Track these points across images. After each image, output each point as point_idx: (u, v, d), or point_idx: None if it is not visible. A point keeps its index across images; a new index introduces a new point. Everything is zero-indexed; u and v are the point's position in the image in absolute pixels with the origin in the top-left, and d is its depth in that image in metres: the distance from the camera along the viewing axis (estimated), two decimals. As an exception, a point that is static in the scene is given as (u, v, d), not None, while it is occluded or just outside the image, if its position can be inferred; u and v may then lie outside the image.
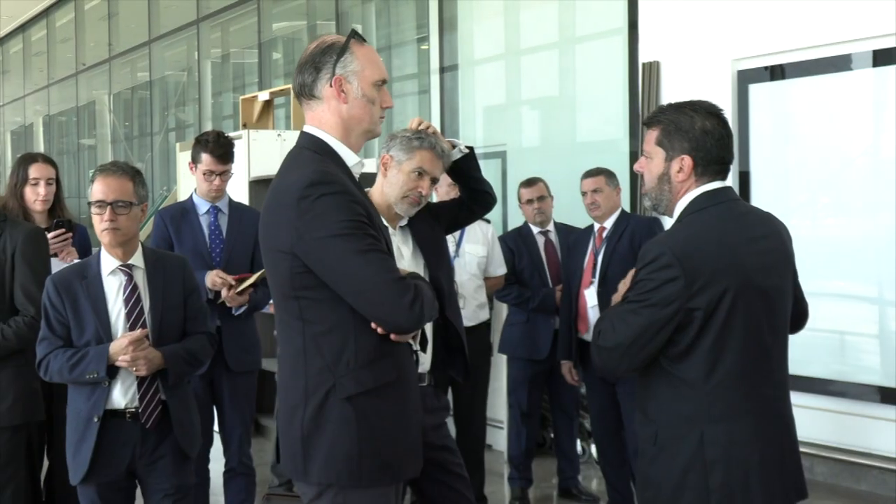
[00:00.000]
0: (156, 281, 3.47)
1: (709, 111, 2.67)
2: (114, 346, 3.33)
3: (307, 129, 2.65)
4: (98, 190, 3.37)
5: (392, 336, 2.54)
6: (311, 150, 2.59)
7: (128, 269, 3.44)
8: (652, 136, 2.71)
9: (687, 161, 2.64)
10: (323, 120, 2.61)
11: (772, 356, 2.66)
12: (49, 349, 3.39)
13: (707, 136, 2.63)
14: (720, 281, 2.53)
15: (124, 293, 3.42)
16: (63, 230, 4.43)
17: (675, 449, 2.59)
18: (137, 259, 3.46)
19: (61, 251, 4.43)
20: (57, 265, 4.42)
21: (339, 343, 2.51)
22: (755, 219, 2.72)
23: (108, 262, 3.43)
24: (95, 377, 3.32)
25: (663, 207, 2.75)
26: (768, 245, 2.67)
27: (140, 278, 3.45)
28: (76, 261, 4.47)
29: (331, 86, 2.57)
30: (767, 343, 2.63)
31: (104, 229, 3.37)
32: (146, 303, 3.44)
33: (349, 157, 2.62)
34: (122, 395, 3.39)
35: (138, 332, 3.36)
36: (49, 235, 4.34)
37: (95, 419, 3.35)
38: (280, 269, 2.53)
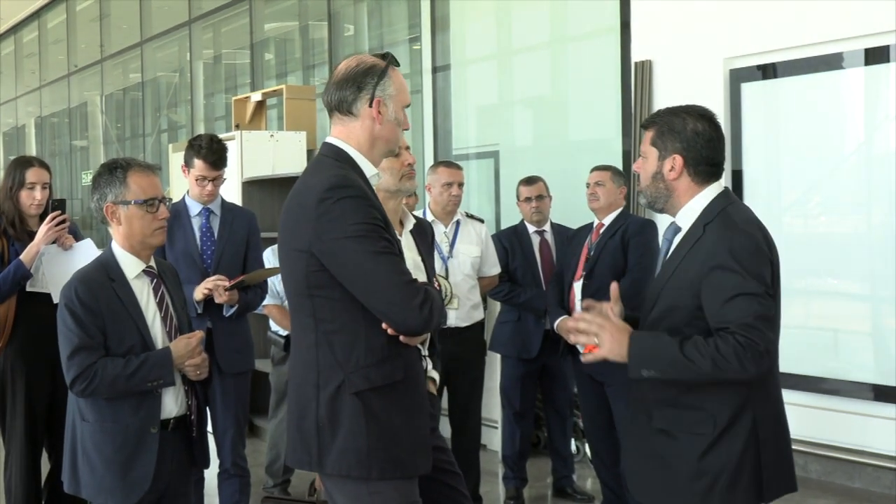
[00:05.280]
0: (169, 285, 3.33)
1: (701, 114, 2.85)
2: (179, 350, 3.17)
3: (330, 140, 2.80)
4: (149, 186, 3.18)
5: (402, 338, 2.67)
6: (331, 159, 2.75)
7: (154, 272, 3.28)
8: (647, 137, 2.89)
9: (678, 160, 2.81)
10: (352, 135, 2.77)
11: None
12: (92, 359, 3.07)
13: (698, 138, 2.80)
14: (775, 264, 2.74)
15: (155, 297, 3.25)
16: (59, 212, 4.39)
17: (734, 432, 2.72)
18: (152, 262, 3.30)
19: (60, 237, 4.40)
20: (58, 252, 4.40)
21: (349, 341, 2.65)
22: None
23: (132, 265, 3.21)
24: (158, 384, 3.13)
25: (660, 204, 2.89)
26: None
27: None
28: (75, 245, 4.46)
29: (370, 106, 2.73)
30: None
31: (160, 228, 3.21)
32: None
33: (368, 168, 2.78)
34: (173, 402, 3.22)
35: (200, 333, 3.26)
36: (46, 220, 4.33)
37: (153, 430, 3.14)
38: (297, 268, 2.67)
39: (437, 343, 3.45)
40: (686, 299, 2.72)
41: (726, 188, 2.87)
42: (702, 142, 2.80)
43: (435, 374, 3.54)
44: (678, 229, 2.89)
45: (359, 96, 2.73)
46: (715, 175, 2.84)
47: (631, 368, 2.67)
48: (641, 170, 2.91)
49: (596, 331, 2.73)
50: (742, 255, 2.64)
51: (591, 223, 5.09)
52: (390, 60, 2.77)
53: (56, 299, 4.25)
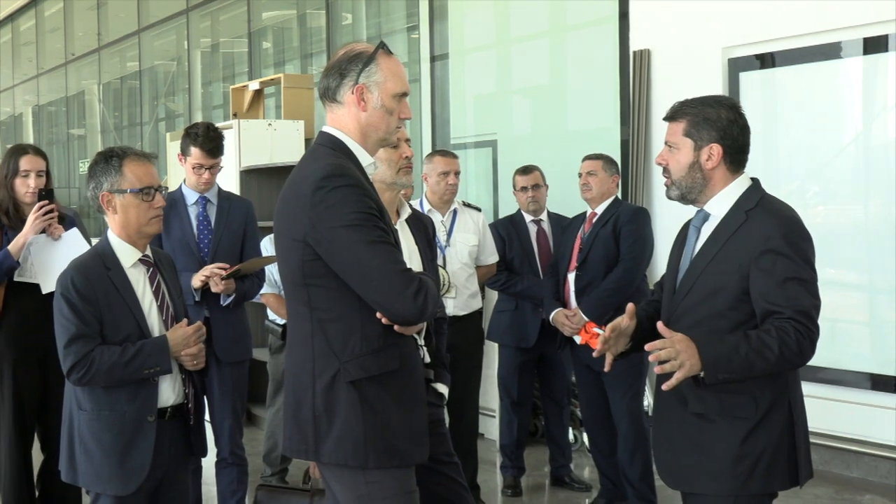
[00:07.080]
0: (165, 274, 3.32)
1: (731, 105, 2.88)
2: (177, 338, 3.17)
3: (326, 129, 2.78)
4: (145, 174, 3.18)
5: (396, 327, 2.65)
6: (327, 147, 2.73)
7: (150, 261, 3.27)
8: (678, 127, 2.88)
9: (717, 149, 2.83)
10: (342, 123, 2.75)
11: None
12: (88, 347, 3.07)
13: (733, 126, 2.84)
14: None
15: (152, 286, 3.25)
16: (46, 201, 4.36)
17: (775, 415, 2.76)
18: (148, 251, 3.30)
19: (49, 227, 4.37)
20: (46, 242, 4.38)
21: (344, 330, 2.64)
22: None
23: (128, 254, 3.21)
24: (155, 372, 3.13)
25: (694, 195, 2.89)
26: None
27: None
28: (63, 235, 4.43)
29: (352, 93, 2.71)
30: None
31: (156, 216, 3.21)
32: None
33: (364, 158, 2.76)
34: (171, 391, 3.22)
35: (198, 322, 3.26)
36: (34, 210, 4.31)
37: (150, 418, 3.14)
38: (292, 258, 2.66)
39: (433, 335, 3.43)
40: (732, 282, 2.76)
41: (756, 178, 2.92)
42: (737, 130, 2.85)
43: (443, 389, 3.53)
44: (707, 216, 2.91)
45: (342, 83, 2.72)
46: (745, 163, 2.90)
47: (708, 376, 2.63)
48: (672, 161, 2.89)
49: (675, 355, 2.60)
50: (796, 241, 2.75)
51: (585, 213, 5.09)
52: (380, 46, 2.75)
53: (45, 290, 4.25)
